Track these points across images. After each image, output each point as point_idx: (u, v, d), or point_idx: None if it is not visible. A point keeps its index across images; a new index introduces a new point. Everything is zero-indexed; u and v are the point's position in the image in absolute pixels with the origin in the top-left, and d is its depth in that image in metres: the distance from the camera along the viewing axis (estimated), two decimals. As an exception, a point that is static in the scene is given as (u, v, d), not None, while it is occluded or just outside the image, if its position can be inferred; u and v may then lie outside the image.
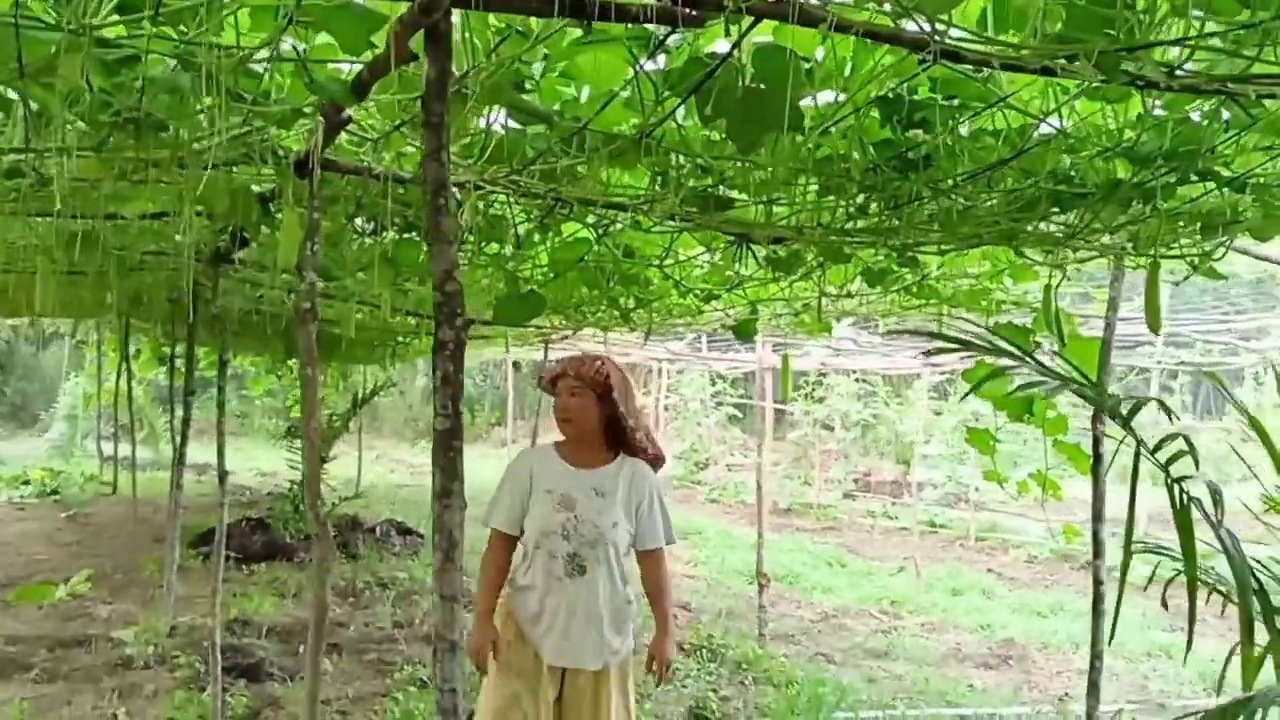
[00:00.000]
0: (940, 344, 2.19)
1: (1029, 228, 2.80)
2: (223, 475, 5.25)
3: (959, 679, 6.37)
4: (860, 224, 3.05)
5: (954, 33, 1.79)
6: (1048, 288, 3.57)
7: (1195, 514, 1.92)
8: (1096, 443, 3.76)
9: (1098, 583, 3.72)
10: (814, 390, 16.08)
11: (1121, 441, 2.23)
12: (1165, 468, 2.08)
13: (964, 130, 2.44)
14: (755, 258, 3.71)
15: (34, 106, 2.05)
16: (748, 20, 1.86)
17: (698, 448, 18.33)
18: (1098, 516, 3.67)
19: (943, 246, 3.14)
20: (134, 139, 2.22)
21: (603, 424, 3.30)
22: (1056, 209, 2.63)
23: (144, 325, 10.91)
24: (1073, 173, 2.57)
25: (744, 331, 4.65)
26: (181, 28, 1.89)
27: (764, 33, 2.03)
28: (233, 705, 4.93)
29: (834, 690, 5.48)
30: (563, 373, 3.32)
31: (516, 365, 22.26)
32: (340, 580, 8.00)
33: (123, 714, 4.90)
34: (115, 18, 1.84)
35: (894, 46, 1.91)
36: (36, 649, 5.85)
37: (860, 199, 2.86)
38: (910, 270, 3.73)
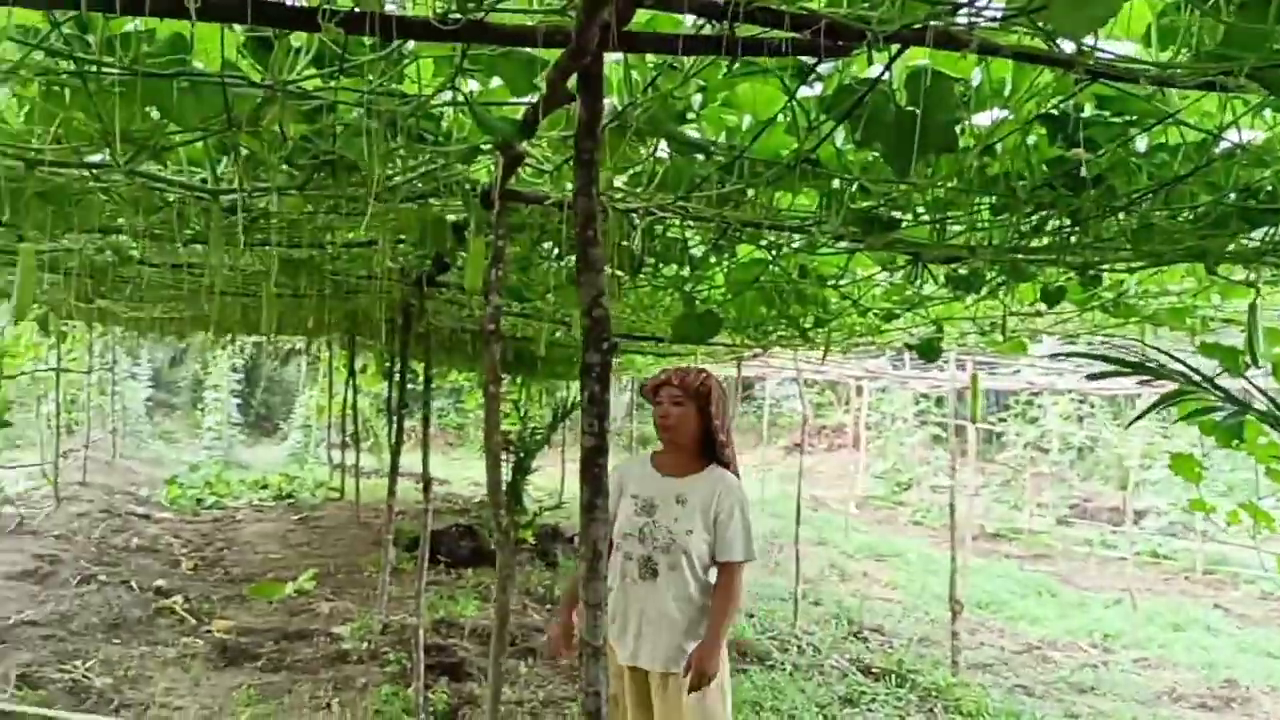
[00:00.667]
0: (1107, 367, 2.11)
1: (1219, 245, 2.65)
2: (427, 483, 5.60)
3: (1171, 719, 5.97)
4: (1038, 242, 2.97)
5: (1109, 51, 1.76)
6: (1252, 306, 3.33)
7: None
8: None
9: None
10: (1025, 410, 15.38)
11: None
12: None
13: (1141, 146, 2.35)
14: (932, 276, 3.64)
15: (244, 152, 2.32)
16: (894, 48, 1.89)
17: (900, 467, 17.88)
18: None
19: (1127, 264, 3.01)
20: (330, 178, 2.45)
21: (699, 434, 3.36)
22: (1246, 225, 2.48)
23: (368, 343, 11.76)
24: (1269, 187, 2.43)
25: (927, 350, 4.55)
26: (369, 77, 2.08)
27: (920, 56, 2.04)
28: (434, 702, 5.23)
29: (1027, 724, 5.27)
30: (666, 381, 3.43)
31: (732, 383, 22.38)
32: (539, 587, 8.31)
33: (336, 704, 5.28)
34: (310, 71, 2.06)
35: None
36: (265, 640, 6.39)
37: (1034, 217, 2.79)
38: (1092, 288, 3.57)
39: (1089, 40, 1.70)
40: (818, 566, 10.83)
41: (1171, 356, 2.19)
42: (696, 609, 3.25)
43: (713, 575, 3.34)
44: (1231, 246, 2.69)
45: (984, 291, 3.82)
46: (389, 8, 1.77)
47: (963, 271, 3.65)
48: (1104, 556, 12.92)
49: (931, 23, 1.70)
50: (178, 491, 13.36)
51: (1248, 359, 3.07)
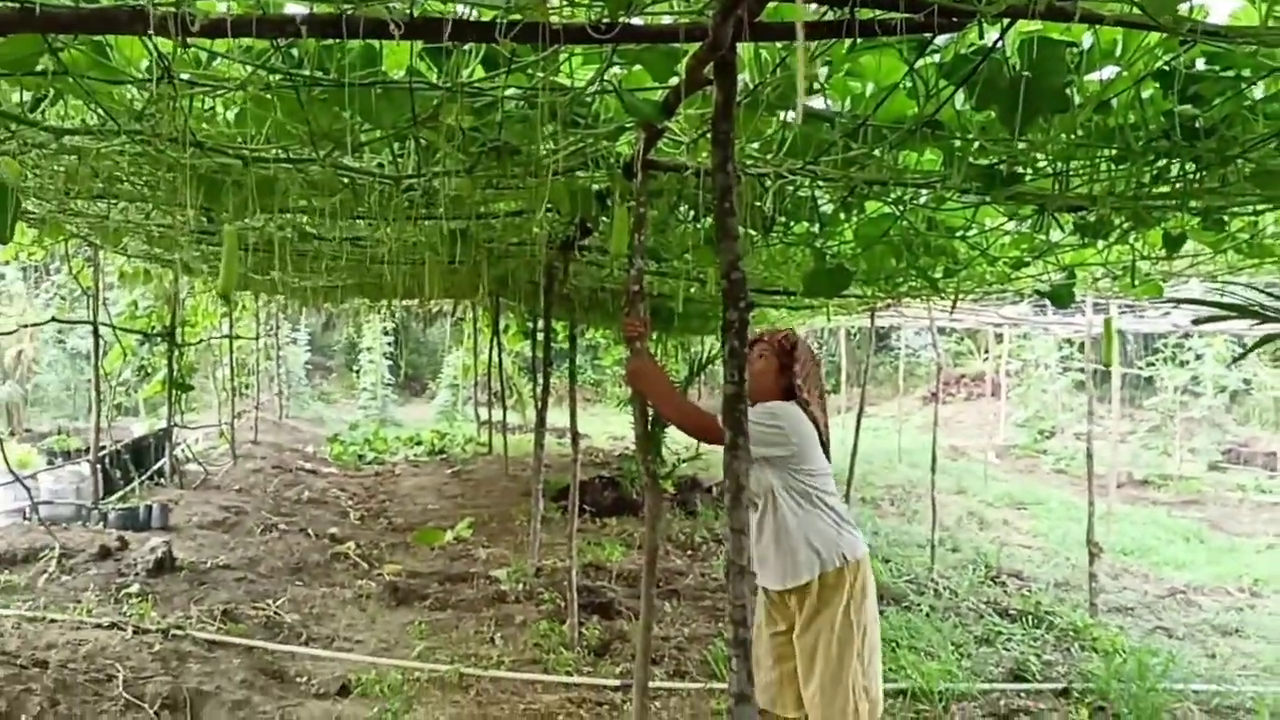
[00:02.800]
0: (1209, 311, 2.24)
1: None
2: (575, 436, 5.98)
3: (1324, 662, 5.91)
4: (1159, 189, 3.07)
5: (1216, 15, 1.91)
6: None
7: None
8: None
9: None
10: (1174, 354, 14.90)
11: None
12: None
13: (1259, 95, 2.46)
14: (1058, 224, 3.75)
15: (423, 143, 2.65)
16: (1004, 20, 2.06)
17: (1043, 415, 17.55)
18: None
19: (1251, 208, 3.08)
20: (496, 162, 2.77)
21: (781, 390, 3.57)
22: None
23: (511, 304, 12.27)
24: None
25: (1060, 297, 4.62)
26: (531, 73, 2.37)
27: (1032, 24, 2.20)
28: (587, 636, 5.62)
29: (1165, 661, 5.31)
30: (759, 338, 3.68)
31: (865, 333, 22.32)
32: (680, 535, 8.66)
33: (499, 638, 5.74)
34: (480, 72, 2.36)
35: (1152, 30, 2.03)
36: (430, 582, 6.93)
37: (1154, 166, 2.90)
38: (1215, 232, 3.61)
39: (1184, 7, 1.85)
40: (956, 515, 10.87)
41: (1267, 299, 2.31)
42: (799, 531, 3.46)
43: (793, 495, 3.50)
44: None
45: (1112, 238, 3.90)
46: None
47: (1090, 219, 3.73)
48: (1258, 502, 12.52)
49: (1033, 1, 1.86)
50: (340, 448, 14.26)
51: None
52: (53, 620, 5.03)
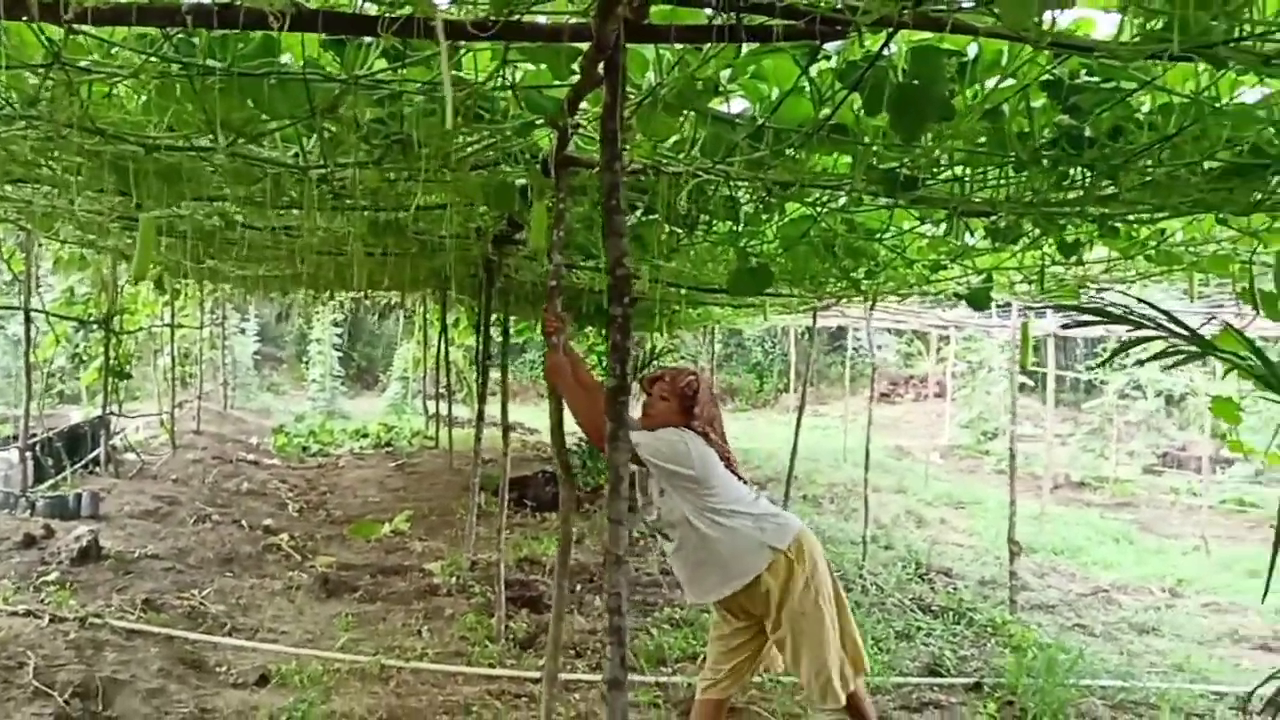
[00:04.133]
0: (1079, 316, 2.32)
1: (1220, 197, 2.82)
2: (506, 429, 6.01)
3: (1229, 659, 6.08)
4: (1057, 196, 3.16)
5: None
6: (1278, 254, 3.48)
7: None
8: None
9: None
10: (1112, 359, 15.20)
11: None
12: None
13: (1144, 109, 2.55)
14: (969, 229, 3.84)
15: (327, 134, 2.66)
16: (885, 29, 2.12)
17: (986, 416, 17.82)
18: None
19: (1140, 215, 3.18)
20: (402, 154, 2.79)
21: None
22: (1238, 179, 2.65)
23: (460, 297, 12.25)
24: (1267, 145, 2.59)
25: (977, 299, 4.72)
26: (431, 65, 2.40)
27: (920, 34, 2.26)
28: (514, 629, 5.65)
29: (1074, 657, 5.45)
30: (661, 378, 3.91)
31: (810, 333, 22.51)
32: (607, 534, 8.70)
33: (426, 631, 5.75)
34: (380, 64, 2.38)
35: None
36: (363, 575, 6.92)
37: (1053, 174, 2.99)
38: (1110, 239, 3.73)
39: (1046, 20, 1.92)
40: (894, 513, 11.02)
41: (1152, 306, 2.40)
42: (707, 543, 3.66)
43: (707, 516, 3.68)
44: (1235, 196, 2.84)
45: (1022, 243, 4.01)
46: (440, 4, 2.08)
47: (1000, 224, 3.83)
48: (1189, 505, 12.81)
49: (904, 11, 1.92)
50: (284, 440, 14.15)
51: None
52: (-33, 608, 4.98)
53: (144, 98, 2.68)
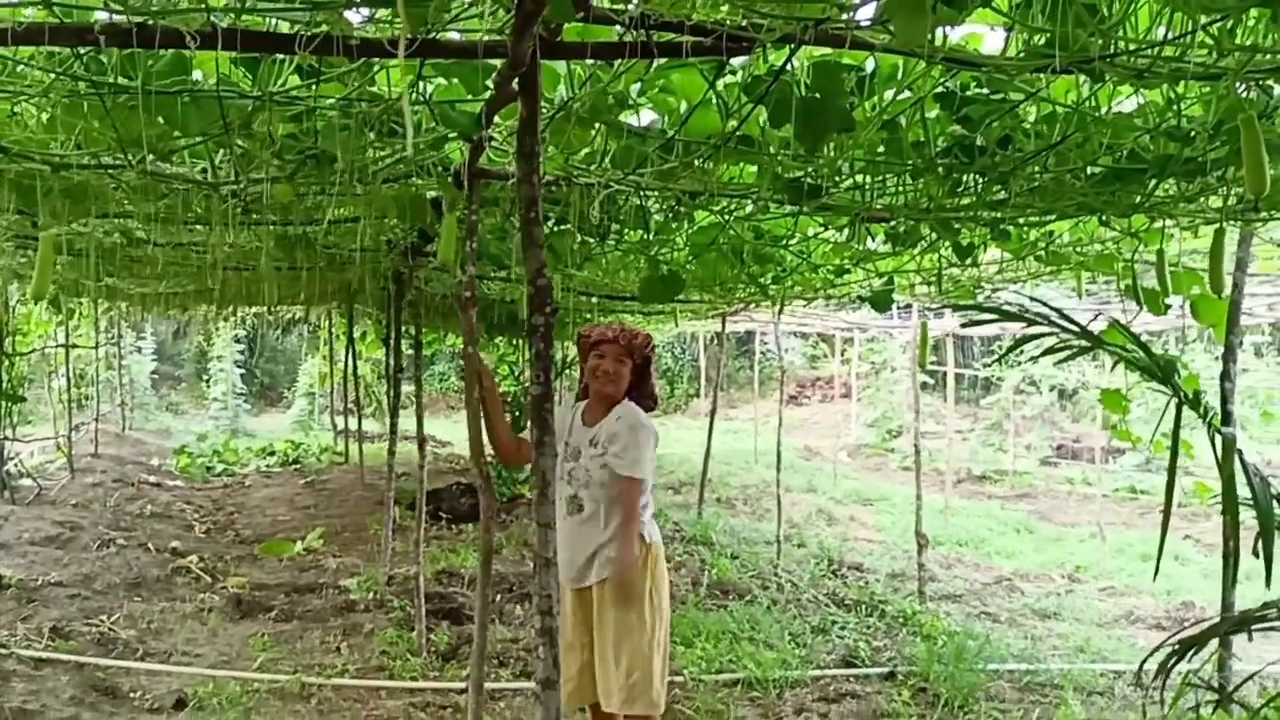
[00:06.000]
0: (977, 315, 2.46)
1: (1101, 200, 3.00)
2: (421, 442, 6.00)
3: (1126, 639, 6.38)
4: (951, 202, 3.32)
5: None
6: (1159, 252, 3.70)
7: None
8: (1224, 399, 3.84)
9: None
10: (1008, 355, 15.75)
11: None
12: (1206, 417, 2.34)
13: (1031, 119, 2.71)
14: (870, 234, 3.99)
15: (239, 150, 2.67)
16: (789, 47, 2.22)
17: (890, 415, 18.28)
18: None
19: (1028, 218, 3.36)
20: (315, 169, 2.80)
21: (626, 389, 3.72)
22: (1118, 183, 2.83)
23: (367, 310, 12.11)
24: (1143, 151, 2.77)
25: (879, 301, 4.90)
26: (345, 83, 2.43)
27: (821, 50, 2.37)
28: (435, 641, 5.63)
29: (982, 643, 5.68)
30: (613, 339, 3.69)
31: (719, 338, 22.80)
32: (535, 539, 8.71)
33: (345, 648, 5.69)
34: (294, 80, 2.40)
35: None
36: (277, 594, 6.81)
37: (946, 181, 3.14)
38: (1000, 242, 3.92)
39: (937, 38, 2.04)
40: (805, 512, 11.25)
41: (1043, 304, 2.55)
42: (611, 527, 3.59)
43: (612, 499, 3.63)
44: (1116, 200, 3.03)
45: (920, 246, 4.18)
46: (354, 19, 2.12)
47: (899, 229, 3.99)
48: (1084, 494, 13.36)
49: (806, 29, 2.02)
50: (187, 460, 13.77)
51: (1181, 295, 3.46)
52: None
53: (48, 115, 2.65)
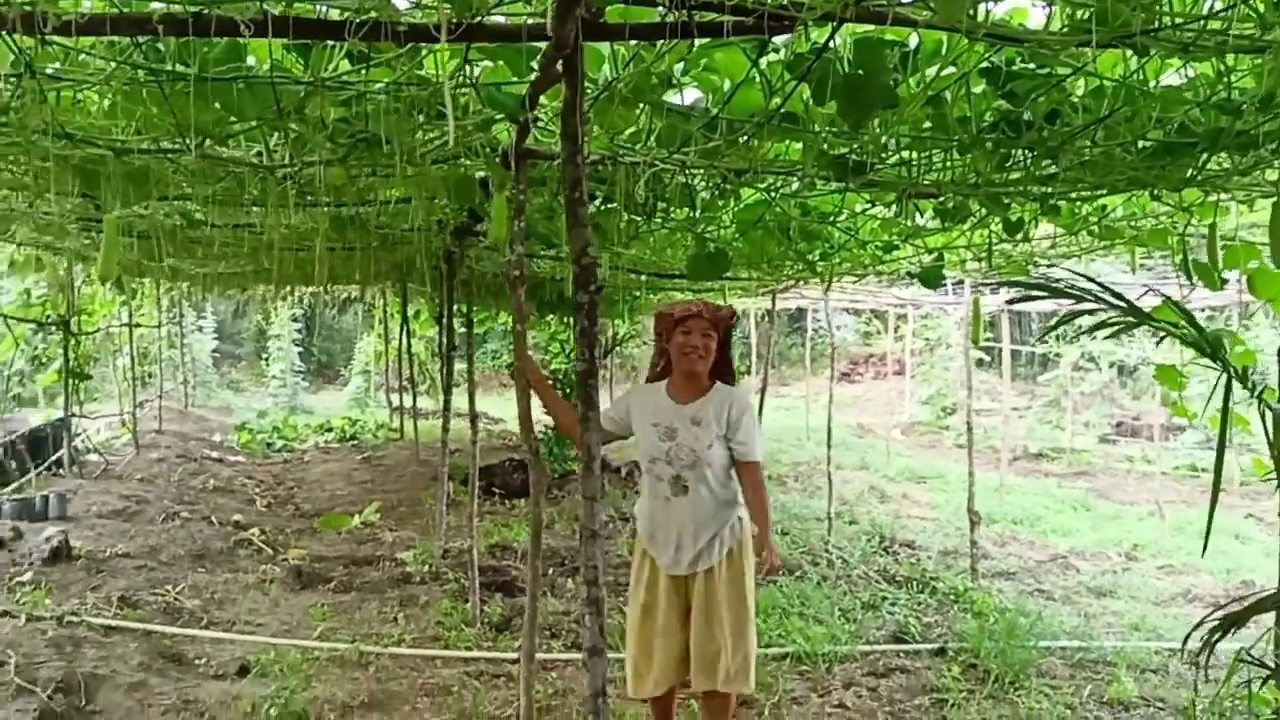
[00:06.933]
0: (1024, 291, 2.46)
1: (1152, 174, 2.96)
2: (474, 419, 6.10)
3: (1183, 618, 6.30)
4: (1000, 177, 3.30)
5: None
6: (1211, 226, 3.65)
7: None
8: None
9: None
10: (1051, 331, 15.53)
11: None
12: (1255, 392, 2.32)
13: (1079, 93, 2.69)
14: (918, 210, 3.97)
15: (293, 134, 2.74)
16: (831, 23, 2.23)
17: (945, 392, 18.11)
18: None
19: (1080, 193, 3.33)
20: (366, 152, 2.87)
21: (714, 363, 3.68)
22: (1169, 157, 2.80)
23: (420, 290, 12.27)
24: (1193, 125, 2.73)
25: (929, 277, 4.87)
26: (393, 65, 2.48)
27: (864, 26, 2.37)
28: (489, 613, 5.74)
29: (1034, 620, 5.65)
30: (698, 314, 3.64)
31: (770, 315, 22.71)
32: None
33: (401, 618, 5.83)
34: (345, 65, 2.46)
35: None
36: (335, 566, 6.98)
37: (994, 156, 3.12)
38: (1052, 217, 3.88)
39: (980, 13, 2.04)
40: (858, 490, 11.23)
41: (1090, 279, 2.54)
42: (725, 514, 3.62)
43: (731, 482, 3.67)
44: (1167, 173, 2.99)
45: (970, 222, 4.15)
46: (401, 5, 2.16)
47: (948, 205, 3.97)
48: (1144, 472, 13.14)
49: (847, 6, 2.03)
50: (248, 436, 14.10)
51: (1224, 271, 3.41)
52: (-58, 611, 5.00)
53: (109, 102, 2.74)
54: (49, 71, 2.36)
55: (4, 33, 2.01)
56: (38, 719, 3.97)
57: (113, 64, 2.26)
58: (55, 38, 2.02)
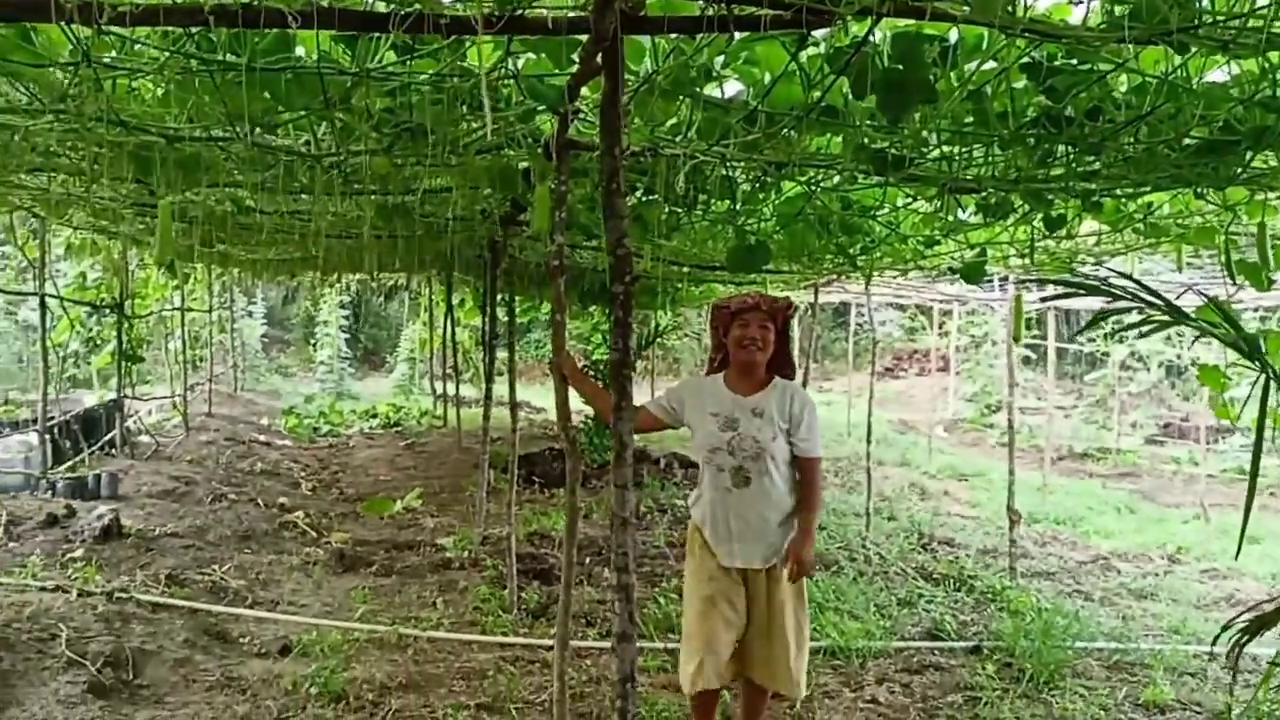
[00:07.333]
0: (1062, 289, 2.44)
1: (1196, 172, 2.93)
2: (514, 407, 6.16)
3: (1223, 622, 6.20)
4: (1045, 173, 3.28)
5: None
6: (1260, 225, 3.60)
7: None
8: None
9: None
10: (1086, 330, 15.29)
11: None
12: None
13: (1121, 90, 2.67)
14: (960, 205, 3.95)
15: (339, 123, 2.80)
16: (869, 17, 2.24)
17: (990, 389, 17.92)
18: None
19: (1123, 190, 3.30)
20: (411, 142, 2.92)
21: (772, 355, 3.67)
22: (1213, 154, 2.77)
23: (465, 278, 12.39)
24: (1237, 123, 2.70)
25: (971, 273, 4.84)
26: (437, 57, 2.53)
27: (905, 21, 2.38)
28: (526, 600, 5.81)
29: (1070, 620, 5.60)
30: (755, 306, 3.63)
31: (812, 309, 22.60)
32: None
33: (440, 603, 5.91)
34: (390, 57, 2.51)
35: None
36: (377, 550, 7.09)
37: (1035, 151, 3.11)
38: (1093, 214, 3.84)
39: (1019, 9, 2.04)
40: (898, 486, 11.18)
41: (1127, 277, 2.52)
42: (787, 505, 3.61)
43: (793, 476, 3.65)
44: (1212, 171, 2.96)
45: (1012, 218, 4.12)
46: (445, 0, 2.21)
47: (990, 200, 3.94)
48: (1190, 474, 12.94)
49: (887, 2, 2.04)
50: (295, 421, 14.33)
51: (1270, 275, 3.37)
52: (-2, 583, 5.16)
53: (163, 91, 2.82)
54: (105, 61, 2.43)
55: (63, 23, 2.08)
56: (87, 690, 4.09)
57: (166, 54, 2.32)
58: (112, 28, 2.09)
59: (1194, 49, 2.07)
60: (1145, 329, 2.33)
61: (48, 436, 8.15)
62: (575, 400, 3.67)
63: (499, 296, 7.66)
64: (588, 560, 6.93)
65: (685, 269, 7.34)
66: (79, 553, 5.93)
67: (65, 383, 12.77)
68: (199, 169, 3.12)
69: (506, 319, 6.87)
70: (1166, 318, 2.37)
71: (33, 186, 4.99)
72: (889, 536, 8.15)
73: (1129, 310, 2.42)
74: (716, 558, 3.61)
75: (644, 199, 4.35)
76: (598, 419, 10.34)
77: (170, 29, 2.31)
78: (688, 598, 3.73)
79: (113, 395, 10.10)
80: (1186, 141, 2.81)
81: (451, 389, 13.80)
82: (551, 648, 5.01)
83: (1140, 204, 4.07)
